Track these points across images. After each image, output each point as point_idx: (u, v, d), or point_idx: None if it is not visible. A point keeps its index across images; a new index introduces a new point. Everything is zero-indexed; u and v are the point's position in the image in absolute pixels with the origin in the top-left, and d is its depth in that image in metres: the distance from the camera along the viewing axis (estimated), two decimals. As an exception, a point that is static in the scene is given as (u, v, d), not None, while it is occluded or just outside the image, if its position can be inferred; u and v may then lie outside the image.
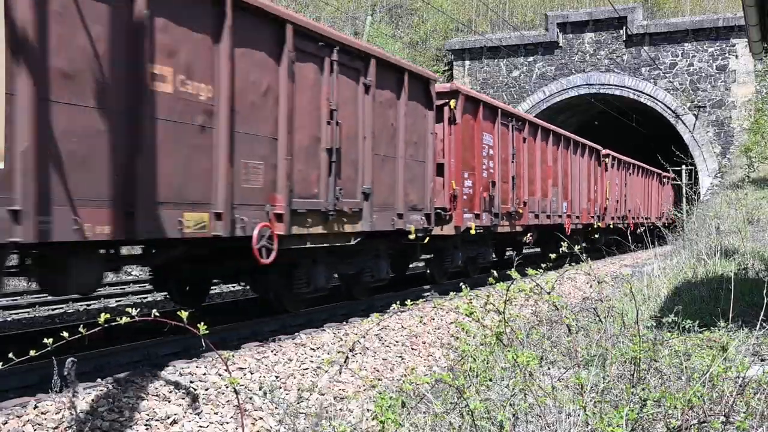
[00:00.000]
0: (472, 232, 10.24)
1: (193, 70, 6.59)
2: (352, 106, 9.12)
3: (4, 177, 4.85)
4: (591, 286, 11.68)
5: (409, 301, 4.36)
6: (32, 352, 3.25)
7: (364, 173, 9.36)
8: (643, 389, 3.63)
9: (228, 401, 5.84)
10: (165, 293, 10.88)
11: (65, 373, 4.70)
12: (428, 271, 13.49)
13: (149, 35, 6.07)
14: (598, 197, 21.60)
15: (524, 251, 18.13)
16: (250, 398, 5.92)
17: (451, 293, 9.73)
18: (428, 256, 13.00)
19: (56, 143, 5.32)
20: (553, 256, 5.13)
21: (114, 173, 5.79)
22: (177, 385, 5.90)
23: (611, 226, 22.17)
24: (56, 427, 4.87)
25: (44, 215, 5.19)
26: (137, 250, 8.33)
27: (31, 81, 5.08)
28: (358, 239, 9.33)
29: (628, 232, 15.62)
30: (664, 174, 33.05)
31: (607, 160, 22.44)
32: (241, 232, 7.11)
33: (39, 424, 4.86)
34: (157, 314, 3.44)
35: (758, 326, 4.75)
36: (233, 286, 13.57)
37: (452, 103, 12.20)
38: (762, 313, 4.40)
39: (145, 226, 6.05)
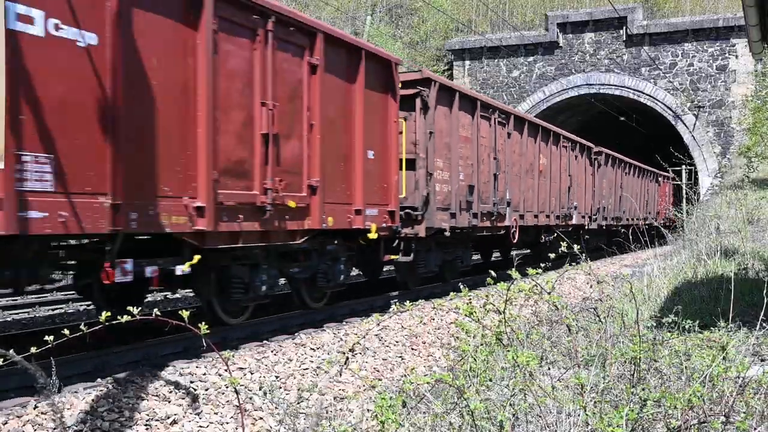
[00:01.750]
0: None
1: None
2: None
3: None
4: (591, 286, 11.68)
5: (408, 302, 4.36)
6: (33, 350, 3.25)
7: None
8: (643, 389, 3.63)
9: (228, 401, 5.84)
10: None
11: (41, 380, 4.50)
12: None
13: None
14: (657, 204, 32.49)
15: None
16: (250, 398, 5.92)
17: (451, 293, 9.73)
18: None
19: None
20: (552, 255, 5.14)
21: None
22: (177, 385, 5.90)
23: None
24: (56, 428, 4.87)
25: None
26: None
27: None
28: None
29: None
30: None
31: (666, 180, 34.09)
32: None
33: (39, 424, 4.86)
34: (158, 314, 3.44)
35: (758, 326, 4.75)
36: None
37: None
38: (762, 313, 4.41)
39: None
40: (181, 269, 6.76)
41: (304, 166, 8.26)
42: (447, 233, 11.90)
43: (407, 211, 10.87)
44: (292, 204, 7.93)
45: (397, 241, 10.69)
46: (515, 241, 14.82)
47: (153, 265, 6.53)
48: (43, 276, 6.24)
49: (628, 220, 24.46)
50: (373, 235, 9.54)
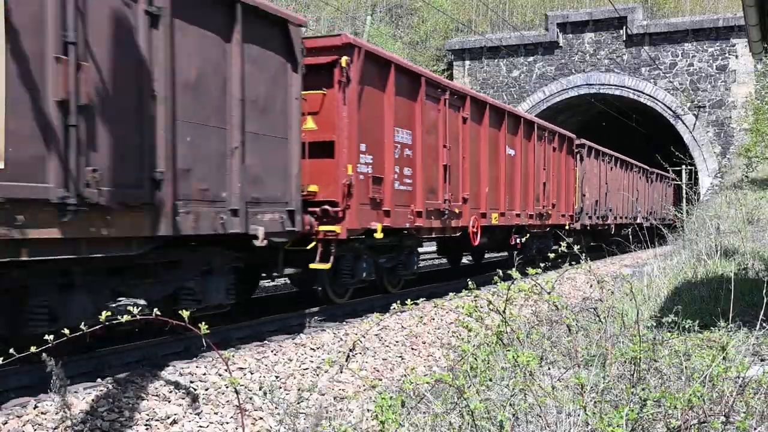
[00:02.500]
0: None
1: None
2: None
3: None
4: (591, 286, 11.69)
5: (409, 300, 4.36)
6: (33, 349, 3.24)
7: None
8: (643, 389, 3.63)
9: (228, 401, 5.84)
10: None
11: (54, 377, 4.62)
12: None
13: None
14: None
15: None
16: (250, 398, 5.92)
17: (450, 293, 9.76)
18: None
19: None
20: (552, 255, 5.15)
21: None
22: (177, 385, 5.90)
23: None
24: (56, 427, 4.87)
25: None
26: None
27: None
28: None
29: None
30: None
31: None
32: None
33: (39, 424, 4.86)
34: (158, 314, 3.44)
35: (758, 326, 4.75)
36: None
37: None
38: (762, 313, 4.41)
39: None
40: (522, 240, 14.09)
41: (551, 194, 17.58)
42: (588, 227, 20.66)
43: (572, 215, 19.56)
44: (548, 212, 17.20)
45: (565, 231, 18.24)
46: (613, 233, 22.89)
47: (519, 237, 14.99)
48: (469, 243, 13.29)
49: (668, 220, 31.35)
50: (567, 227, 18.22)
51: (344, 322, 9.42)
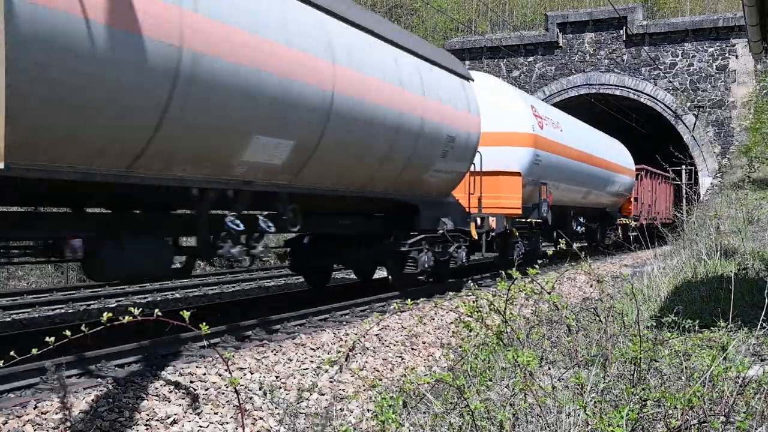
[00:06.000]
0: None
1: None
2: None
3: None
4: (591, 286, 11.68)
5: (409, 300, 4.37)
6: (34, 351, 3.24)
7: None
8: (643, 389, 3.63)
9: (228, 401, 5.84)
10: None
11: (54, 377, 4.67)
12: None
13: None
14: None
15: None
16: (250, 398, 5.93)
17: (450, 293, 9.78)
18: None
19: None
20: (550, 252, 5.15)
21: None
22: (177, 385, 5.90)
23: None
24: (56, 427, 4.87)
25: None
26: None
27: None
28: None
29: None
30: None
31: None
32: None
33: (39, 424, 4.86)
34: (159, 314, 3.44)
35: (758, 326, 4.75)
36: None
37: None
38: (762, 313, 4.41)
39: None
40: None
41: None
42: (644, 223, 25.66)
43: (635, 215, 26.85)
44: (626, 218, 26.26)
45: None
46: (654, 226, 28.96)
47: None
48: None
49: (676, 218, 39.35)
50: (630, 224, 25.75)
51: (344, 322, 9.42)
